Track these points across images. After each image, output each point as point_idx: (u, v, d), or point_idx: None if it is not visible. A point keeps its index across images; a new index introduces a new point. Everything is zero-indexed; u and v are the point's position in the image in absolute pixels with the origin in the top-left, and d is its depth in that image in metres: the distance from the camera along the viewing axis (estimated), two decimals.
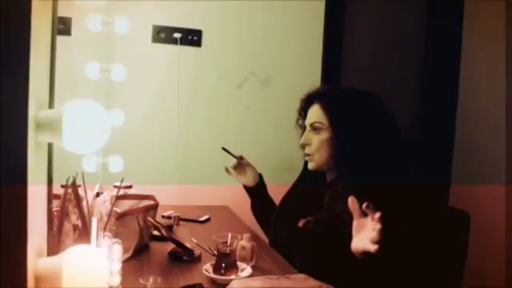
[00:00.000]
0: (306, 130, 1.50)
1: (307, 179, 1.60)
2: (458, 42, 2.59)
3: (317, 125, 1.46)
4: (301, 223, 1.51)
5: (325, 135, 1.45)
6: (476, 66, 2.51)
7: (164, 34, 2.24)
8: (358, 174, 1.37)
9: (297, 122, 1.62)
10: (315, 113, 1.48)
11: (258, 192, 1.79)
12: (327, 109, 1.45)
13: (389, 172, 1.38)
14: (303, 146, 1.52)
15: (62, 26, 1.97)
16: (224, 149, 1.81)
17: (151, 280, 1.06)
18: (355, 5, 2.57)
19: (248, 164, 1.81)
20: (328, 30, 2.47)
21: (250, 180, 1.79)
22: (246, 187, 1.81)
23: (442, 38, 2.61)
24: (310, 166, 1.50)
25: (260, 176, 1.81)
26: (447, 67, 2.61)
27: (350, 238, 1.22)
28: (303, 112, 1.57)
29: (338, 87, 1.56)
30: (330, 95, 1.51)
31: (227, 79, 2.38)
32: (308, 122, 1.50)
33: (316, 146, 1.46)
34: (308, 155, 1.50)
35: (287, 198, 1.65)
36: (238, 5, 2.36)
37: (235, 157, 1.81)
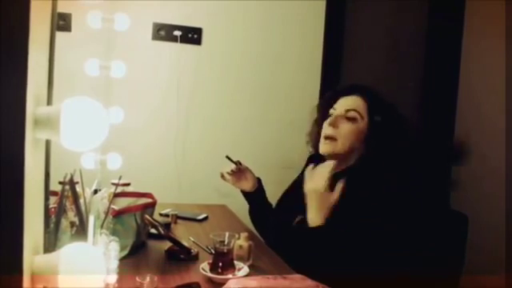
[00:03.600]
0: (335, 115, 1.46)
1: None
2: (458, 43, 2.59)
3: (354, 113, 1.44)
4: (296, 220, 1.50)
5: (359, 126, 1.43)
6: (476, 67, 2.51)
7: (164, 32, 2.24)
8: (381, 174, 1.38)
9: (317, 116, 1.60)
10: (354, 102, 1.46)
11: (256, 197, 1.72)
12: (369, 103, 1.45)
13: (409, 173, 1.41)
14: (322, 134, 1.49)
15: (62, 22, 1.96)
16: (228, 157, 1.72)
17: (148, 278, 1.06)
18: (355, 5, 2.56)
19: (246, 169, 1.73)
20: (328, 29, 2.47)
21: (248, 185, 1.71)
22: (243, 192, 1.75)
23: (443, 38, 2.61)
24: (326, 148, 1.45)
25: (259, 181, 1.75)
26: (447, 68, 2.61)
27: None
28: (327, 104, 1.54)
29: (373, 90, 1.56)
30: (371, 93, 1.50)
31: (226, 78, 2.38)
32: (342, 107, 1.47)
33: (344, 133, 1.43)
34: (330, 138, 1.45)
35: (285, 197, 1.64)
36: (239, 3, 2.36)
37: (234, 163, 1.72)
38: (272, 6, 2.40)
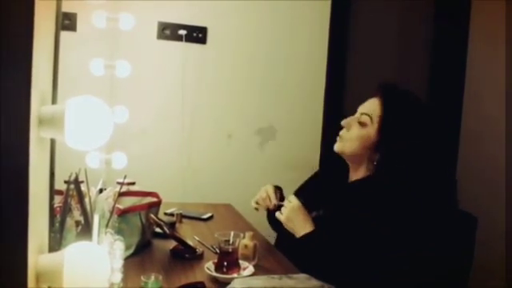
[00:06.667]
0: (354, 116, 1.44)
1: (327, 174, 1.58)
2: (464, 43, 2.57)
3: (365, 118, 1.39)
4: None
5: (367, 132, 1.38)
6: (482, 68, 2.49)
7: (169, 31, 2.24)
8: (394, 183, 1.34)
9: None
10: (372, 106, 1.41)
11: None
12: (385, 112, 1.38)
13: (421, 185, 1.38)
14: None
15: (67, 22, 1.97)
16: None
17: (153, 277, 1.06)
18: (361, 5, 2.55)
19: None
20: (333, 29, 2.47)
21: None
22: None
23: (449, 40, 2.59)
24: (337, 146, 1.44)
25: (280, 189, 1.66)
26: (453, 68, 2.60)
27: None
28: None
29: (404, 93, 1.46)
30: (395, 99, 1.42)
31: (232, 78, 2.38)
32: (360, 109, 1.44)
33: (352, 136, 1.40)
34: (340, 138, 1.44)
35: (299, 194, 1.62)
36: (244, 2, 2.36)
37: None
38: (276, 6, 2.39)
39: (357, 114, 1.44)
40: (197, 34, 2.28)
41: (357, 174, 1.45)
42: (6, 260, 0.59)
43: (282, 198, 1.59)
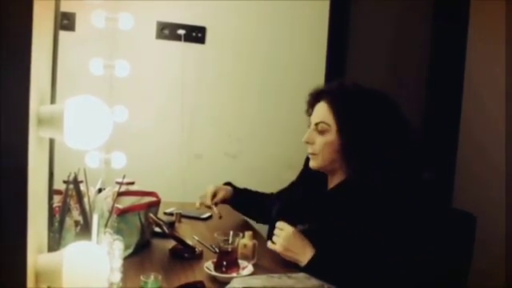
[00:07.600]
0: (310, 128, 1.43)
1: (307, 179, 1.57)
2: (463, 43, 2.57)
3: (322, 125, 1.39)
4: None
5: (330, 138, 1.38)
6: (482, 67, 2.49)
7: (168, 31, 2.24)
8: (371, 179, 1.33)
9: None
10: (321, 111, 1.41)
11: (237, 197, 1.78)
12: (335, 109, 1.38)
13: (401, 175, 1.37)
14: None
15: (66, 22, 1.97)
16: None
17: (152, 277, 1.06)
18: (359, 5, 2.55)
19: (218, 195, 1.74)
20: (332, 29, 2.47)
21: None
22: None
23: (448, 38, 2.59)
24: (312, 164, 1.44)
25: (231, 185, 1.80)
26: (452, 67, 2.60)
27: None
28: (310, 109, 1.49)
29: (348, 85, 1.45)
30: (339, 94, 1.42)
31: (230, 77, 2.38)
32: (313, 120, 1.43)
33: (320, 148, 1.40)
34: (311, 154, 1.44)
35: (285, 199, 1.62)
36: (243, 2, 2.36)
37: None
38: (276, 6, 2.39)
39: (312, 127, 1.43)
40: (196, 34, 2.29)
41: (334, 179, 1.45)
42: (5, 260, 0.59)
43: (235, 195, 1.76)
